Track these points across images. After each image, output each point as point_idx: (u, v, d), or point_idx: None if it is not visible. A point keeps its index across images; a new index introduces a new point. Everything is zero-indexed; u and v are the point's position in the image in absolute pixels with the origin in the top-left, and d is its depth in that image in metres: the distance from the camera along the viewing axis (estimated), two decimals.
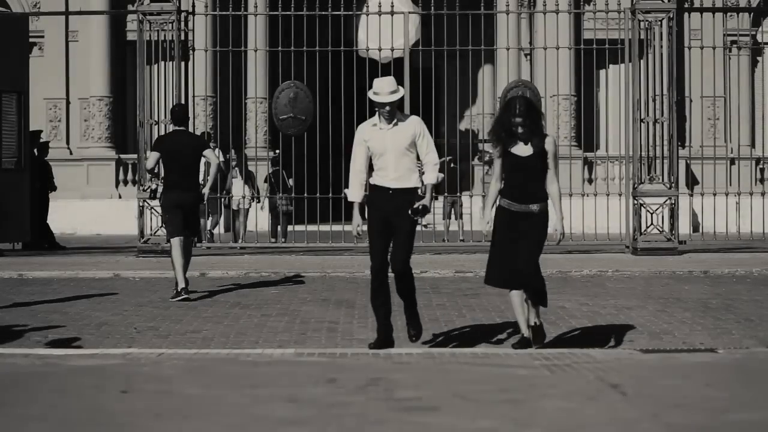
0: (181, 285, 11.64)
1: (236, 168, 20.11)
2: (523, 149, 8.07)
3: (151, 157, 12.25)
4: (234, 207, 19.94)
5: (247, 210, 20.16)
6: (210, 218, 19.42)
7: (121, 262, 15.78)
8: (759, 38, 27.34)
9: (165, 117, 17.15)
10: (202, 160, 12.32)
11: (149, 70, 17.36)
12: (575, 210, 19.65)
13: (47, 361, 7.03)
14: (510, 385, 6.16)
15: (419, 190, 8.41)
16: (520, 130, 8.02)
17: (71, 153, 26.33)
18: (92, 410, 5.47)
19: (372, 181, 8.34)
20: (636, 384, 6.13)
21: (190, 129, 18.18)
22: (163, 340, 8.91)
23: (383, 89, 8.15)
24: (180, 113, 12.43)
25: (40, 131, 20.98)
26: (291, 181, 20.96)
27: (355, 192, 8.40)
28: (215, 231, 19.39)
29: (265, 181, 21.24)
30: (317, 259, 16.50)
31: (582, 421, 5.18)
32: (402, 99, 8.34)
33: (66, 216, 24.02)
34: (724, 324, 9.69)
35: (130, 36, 25.16)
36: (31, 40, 20.51)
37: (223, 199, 19.16)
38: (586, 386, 6.08)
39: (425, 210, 8.20)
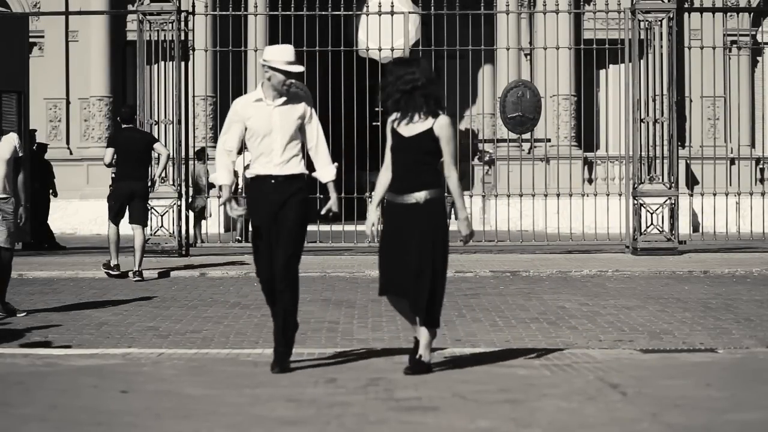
0: (114, 262, 13.84)
1: None
2: (409, 127, 6.81)
3: (108, 153, 14.02)
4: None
5: None
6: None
7: (122, 262, 15.77)
8: (759, 38, 27.32)
9: (165, 117, 17.16)
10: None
11: (149, 70, 17.36)
12: (575, 210, 19.72)
13: (47, 361, 7.03)
14: (510, 385, 6.16)
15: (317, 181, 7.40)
16: (394, 103, 6.83)
17: (71, 153, 26.31)
18: (92, 410, 5.47)
19: (250, 172, 7.10)
20: (636, 384, 6.13)
21: (190, 129, 18.26)
22: (163, 340, 8.91)
23: (290, 57, 7.07)
24: (128, 113, 14.42)
25: (35, 131, 20.96)
26: None
27: (223, 174, 7.12)
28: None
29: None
30: (317, 259, 16.49)
31: (582, 421, 5.19)
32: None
33: (66, 216, 24.02)
34: (724, 324, 9.70)
35: (130, 36, 25.13)
36: (31, 40, 20.51)
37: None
38: (586, 386, 6.08)
39: (335, 215, 7.29)
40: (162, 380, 6.36)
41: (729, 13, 24.90)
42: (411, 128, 6.77)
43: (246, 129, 7.04)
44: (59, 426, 5.18)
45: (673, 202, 17.26)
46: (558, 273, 14.30)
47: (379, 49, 17.70)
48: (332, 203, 7.18)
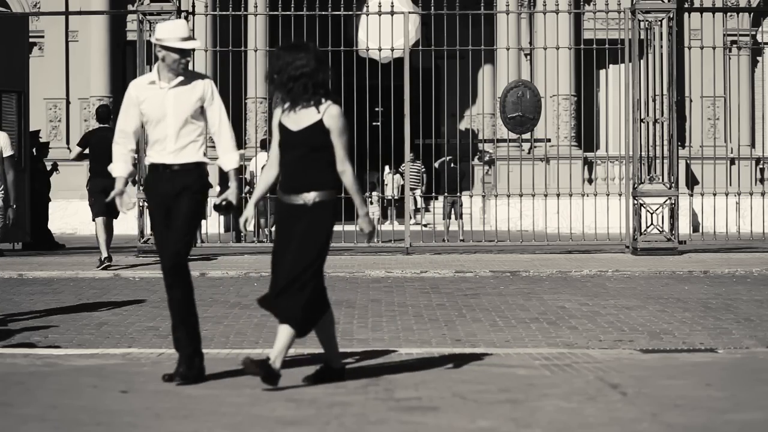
0: (104, 255, 14.47)
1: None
2: (296, 119, 6.20)
3: (74, 151, 15.61)
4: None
5: None
6: (267, 218, 19.92)
7: (121, 262, 15.77)
8: (759, 38, 27.35)
9: None
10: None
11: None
12: (575, 210, 19.72)
13: (47, 361, 7.03)
14: (510, 385, 6.16)
15: (216, 170, 6.82)
16: (282, 93, 6.23)
17: (71, 153, 26.33)
18: (92, 410, 5.47)
19: (148, 160, 6.59)
20: (636, 384, 6.13)
21: None
22: (163, 340, 8.90)
23: (183, 33, 6.45)
24: (103, 113, 15.56)
25: (39, 131, 20.99)
26: None
27: (118, 165, 6.59)
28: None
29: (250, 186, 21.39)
30: None
31: (582, 421, 5.19)
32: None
33: (66, 216, 24.04)
34: (724, 324, 9.69)
35: (130, 36, 25.16)
36: (31, 40, 20.52)
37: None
38: (586, 386, 6.08)
39: (230, 207, 6.52)
40: (162, 380, 6.35)
41: (729, 13, 24.93)
42: (299, 121, 6.15)
43: (142, 114, 6.51)
44: (59, 426, 5.18)
45: (673, 202, 17.26)
46: (558, 273, 14.30)
47: (379, 49, 17.70)
48: (230, 194, 6.50)
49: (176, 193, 6.40)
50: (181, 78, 6.47)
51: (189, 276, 6.47)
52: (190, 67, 6.70)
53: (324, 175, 6.16)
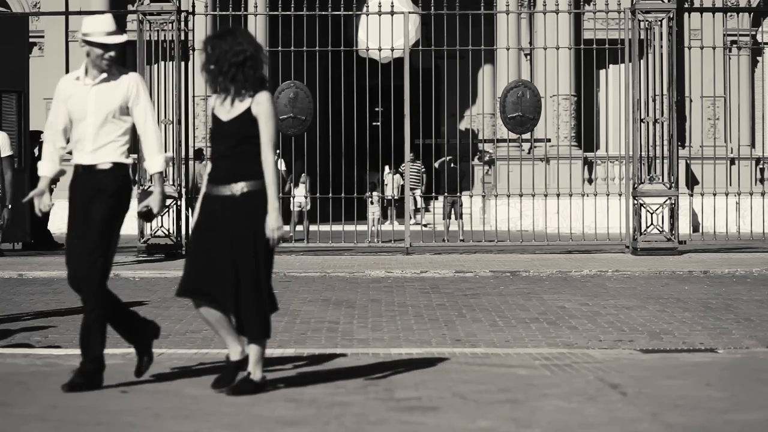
0: None
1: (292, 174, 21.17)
2: (228, 109, 5.97)
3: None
4: (296, 208, 20.93)
5: (307, 211, 20.84)
6: None
7: (121, 262, 15.78)
8: (759, 38, 27.35)
9: (165, 117, 17.15)
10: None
11: (149, 70, 17.36)
12: (575, 210, 19.73)
13: (47, 361, 7.03)
14: (510, 385, 6.16)
15: (135, 172, 6.59)
16: (219, 83, 6.00)
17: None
18: (92, 410, 5.47)
19: (72, 160, 6.26)
20: (636, 384, 6.13)
21: (190, 129, 18.28)
22: (163, 340, 8.87)
23: (108, 27, 6.16)
24: None
25: (41, 132, 21.00)
26: (303, 176, 21.13)
27: (45, 164, 6.29)
28: None
29: None
30: (317, 259, 16.50)
31: (582, 421, 5.19)
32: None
33: (66, 216, 24.01)
34: (724, 324, 9.69)
35: (130, 36, 25.12)
36: (31, 40, 20.52)
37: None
38: (586, 386, 6.08)
39: (149, 214, 6.18)
40: (162, 380, 6.36)
41: (729, 13, 24.93)
42: (230, 110, 5.94)
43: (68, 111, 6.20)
44: (59, 426, 5.18)
45: (673, 202, 17.26)
46: (558, 273, 14.30)
47: (379, 49, 17.70)
48: (152, 200, 6.16)
49: (91, 196, 6.08)
50: (105, 75, 6.17)
51: (100, 304, 6.01)
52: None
53: (253, 166, 5.86)
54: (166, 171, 6.37)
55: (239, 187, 5.84)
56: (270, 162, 5.85)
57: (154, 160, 6.21)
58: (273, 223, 5.85)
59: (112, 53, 6.11)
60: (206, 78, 6.00)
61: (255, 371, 5.89)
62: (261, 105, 5.87)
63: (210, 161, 5.99)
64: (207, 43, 5.98)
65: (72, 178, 6.19)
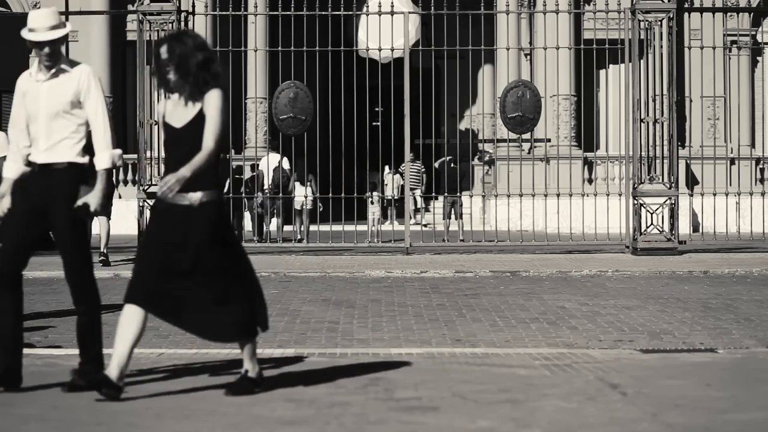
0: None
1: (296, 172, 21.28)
2: (180, 114, 5.76)
3: None
4: (297, 207, 20.96)
5: (309, 210, 20.76)
6: (277, 218, 20.12)
7: (122, 262, 15.78)
8: (759, 38, 27.36)
9: None
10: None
11: (149, 70, 17.35)
12: (575, 210, 19.73)
13: (47, 361, 7.02)
14: (510, 385, 6.16)
15: (88, 170, 6.07)
16: (171, 83, 5.75)
17: None
18: (92, 410, 5.47)
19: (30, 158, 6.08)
20: (636, 384, 6.13)
21: None
22: (163, 340, 8.90)
23: (41, 23, 5.89)
24: None
25: None
26: (309, 176, 21.20)
27: (10, 165, 6.09)
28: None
29: (246, 186, 21.51)
30: (317, 259, 16.50)
31: (582, 421, 5.19)
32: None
33: None
34: (724, 324, 9.69)
35: (130, 36, 25.16)
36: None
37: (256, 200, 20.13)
38: (586, 386, 6.08)
39: (86, 210, 5.93)
40: (162, 380, 6.36)
41: (729, 13, 24.93)
42: (183, 115, 5.75)
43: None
44: (59, 426, 5.18)
45: (673, 202, 17.26)
46: (558, 273, 14.30)
47: (379, 49, 17.70)
48: (90, 197, 5.92)
49: (47, 196, 5.90)
50: (54, 70, 5.97)
51: (97, 308, 6.04)
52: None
53: (211, 174, 5.70)
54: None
55: (197, 197, 5.65)
56: (206, 150, 5.63)
57: (100, 157, 6.01)
58: (172, 181, 5.57)
59: (47, 49, 5.89)
60: (159, 81, 5.76)
61: (251, 368, 5.87)
62: (210, 101, 5.68)
63: (166, 168, 5.75)
64: (162, 45, 5.75)
65: (26, 173, 6.02)
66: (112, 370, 5.63)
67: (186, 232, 5.64)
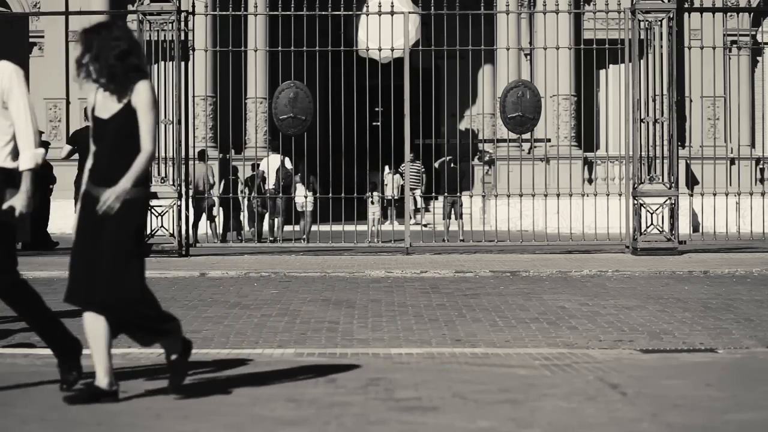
0: None
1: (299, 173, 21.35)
2: (108, 105, 5.61)
3: (64, 150, 16.48)
4: (298, 208, 21.09)
5: (310, 211, 20.78)
6: (277, 218, 20.17)
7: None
8: (759, 38, 27.36)
9: (165, 117, 17.16)
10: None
11: (149, 70, 17.35)
12: (575, 210, 19.73)
13: (47, 361, 7.02)
14: (510, 385, 6.16)
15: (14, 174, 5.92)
16: (93, 75, 5.57)
17: (62, 152, 26.34)
18: (92, 410, 5.47)
19: None
20: (636, 384, 6.13)
21: (190, 129, 18.28)
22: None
23: None
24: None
25: (41, 132, 21.03)
26: (311, 177, 21.24)
27: None
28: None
29: (246, 185, 21.53)
30: (317, 259, 16.49)
31: (582, 421, 5.19)
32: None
33: (66, 216, 24.01)
34: (724, 324, 9.69)
35: None
36: (31, 40, 20.53)
37: (255, 200, 20.21)
38: (586, 386, 6.08)
39: (8, 215, 5.90)
40: (162, 380, 6.36)
41: (729, 13, 24.94)
42: (110, 107, 5.59)
43: None
44: (59, 426, 5.18)
45: (673, 202, 17.26)
46: (558, 273, 14.30)
47: (379, 49, 17.70)
48: (16, 200, 5.83)
49: None
50: None
51: (24, 298, 6.03)
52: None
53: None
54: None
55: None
56: (145, 153, 5.54)
57: (24, 156, 5.84)
58: (111, 196, 5.48)
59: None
60: (79, 72, 5.57)
61: (172, 354, 5.77)
62: (140, 95, 5.54)
63: (92, 160, 5.65)
64: (81, 36, 5.60)
65: None
66: (102, 380, 5.62)
67: (102, 224, 5.51)
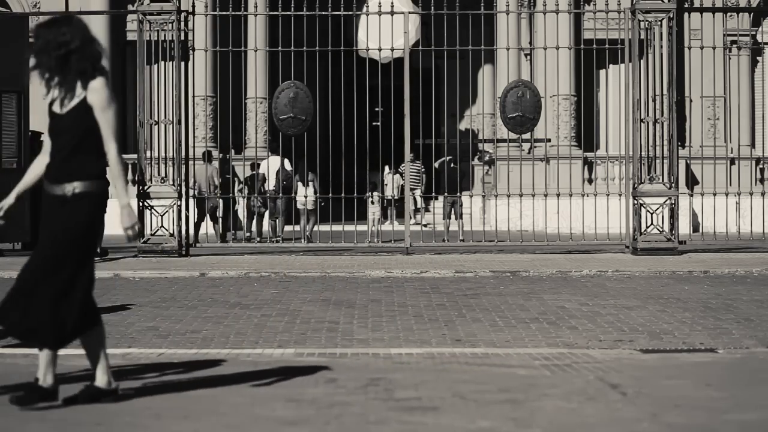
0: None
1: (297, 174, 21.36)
2: (63, 101, 5.53)
3: None
4: (299, 207, 20.98)
5: (311, 210, 20.84)
6: (278, 218, 20.18)
7: (121, 262, 15.78)
8: (759, 38, 27.35)
9: (165, 117, 17.16)
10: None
11: (149, 70, 17.36)
12: (575, 210, 19.73)
13: None
14: (510, 385, 6.16)
15: None
16: (44, 70, 5.51)
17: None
18: (92, 410, 5.47)
19: None
20: (636, 384, 6.13)
21: (190, 129, 18.28)
22: (163, 340, 8.91)
23: None
24: None
25: (41, 133, 21.03)
26: (310, 175, 21.21)
27: None
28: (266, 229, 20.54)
29: (246, 184, 21.54)
30: (317, 259, 16.49)
31: (582, 421, 5.19)
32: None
33: None
34: (724, 324, 9.69)
35: (130, 36, 25.15)
36: (31, 40, 20.47)
37: (254, 201, 20.24)
38: (586, 386, 6.08)
39: None
40: (162, 380, 6.36)
41: (729, 13, 24.93)
42: (66, 103, 5.50)
43: None
44: (59, 426, 5.18)
45: (673, 202, 17.26)
46: (558, 273, 14.30)
47: (379, 49, 17.70)
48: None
49: None
50: None
51: None
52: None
53: (90, 163, 5.48)
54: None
55: (71, 188, 5.43)
56: (112, 153, 5.48)
57: None
58: (125, 221, 5.49)
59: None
60: (33, 66, 5.51)
61: (45, 376, 5.50)
62: (95, 93, 5.46)
63: (49, 157, 5.56)
64: (35, 31, 5.58)
65: None
66: (101, 380, 5.63)
67: (59, 222, 5.43)
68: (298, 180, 21.13)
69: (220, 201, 20.71)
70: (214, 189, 20.60)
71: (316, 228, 19.18)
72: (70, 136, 5.48)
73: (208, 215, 20.58)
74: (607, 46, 18.75)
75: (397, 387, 6.09)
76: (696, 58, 21.52)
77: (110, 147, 5.49)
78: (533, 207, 19.27)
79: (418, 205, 24.04)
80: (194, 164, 20.33)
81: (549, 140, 23.37)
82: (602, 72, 23.56)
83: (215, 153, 22.17)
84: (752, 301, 11.41)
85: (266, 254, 17.54)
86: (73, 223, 5.43)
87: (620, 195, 18.25)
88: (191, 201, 18.30)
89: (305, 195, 20.83)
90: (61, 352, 7.05)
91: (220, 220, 20.89)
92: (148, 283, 13.46)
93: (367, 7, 20.30)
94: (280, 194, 19.36)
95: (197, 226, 19.94)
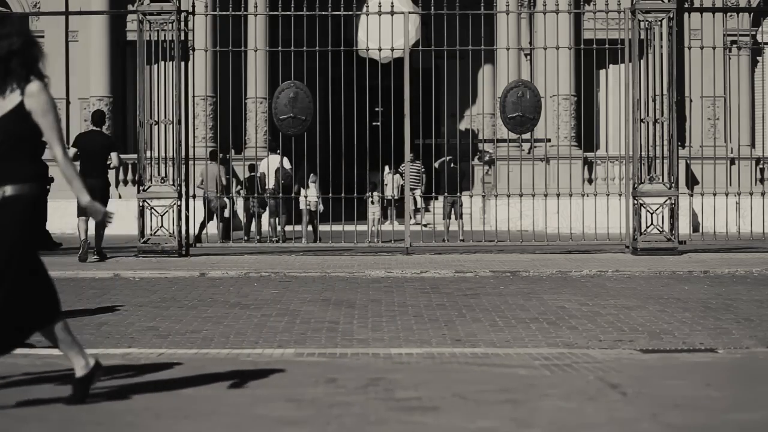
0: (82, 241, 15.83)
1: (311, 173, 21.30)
2: (1, 105, 5.44)
3: (69, 152, 17.07)
4: (302, 207, 20.98)
5: (312, 211, 20.84)
6: (280, 217, 20.19)
7: (121, 262, 15.78)
8: (759, 38, 27.36)
9: (165, 117, 17.16)
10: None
11: (149, 70, 17.36)
12: (575, 210, 19.73)
13: (47, 361, 7.03)
14: (510, 385, 6.16)
15: None
16: None
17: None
18: (92, 410, 5.47)
19: None
20: (636, 384, 6.13)
21: (190, 129, 18.28)
22: (163, 340, 8.91)
23: None
24: (95, 117, 16.80)
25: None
26: (312, 176, 21.18)
27: None
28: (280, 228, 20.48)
29: (244, 185, 21.55)
30: (317, 259, 16.49)
31: (582, 421, 5.19)
32: None
33: (66, 216, 24.00)
34: (724, 324, 9.69)
35: (130, 36, 25.17)
36: None
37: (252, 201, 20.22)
38: (586, 386, 6.08)
39: None
40: (162, 380, 6.36)
41: (729, 13, 24.95)
42: (3, 106, 5.41)
43: None
44: (59, 426, 5.18)
45: (673, 202, 17.26)
46: (558, 273, 14.30)
47: (379, 49, 17.70)
48: None
49: None
50: None
51: None
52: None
53: (24, 167, 5.38)
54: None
55: (0, 192, 5.35)
56: (60, 158, 5.43)
57: None
58: (96, 216, 5.57)
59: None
60: None
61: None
62: (33, 97, 5.37)
63: None
64: None
65: None
66: (78, 368, 5.57)
67: None
68: (313, 180, 21.10)
69: (227, 200, 20.72)
70: (221, 188, 20.59)
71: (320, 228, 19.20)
72: (4, 138, 5.36)
73: (216, 214, 20.56)
74: (607, 46, 18.75)
75: (397, 387, 6.09)
76: (696, 58, 21.54)
77: (56, 151, 5.43)
78: (533, 207, 19.27)
79: (418, 205, 24.05)
80: (206, 164, 20.42)
81: (549, 140, 23.38)
82: (602, 72, 23.57)
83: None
84: (752, 301, 11.41)
85: (266, 254, 17.54)
86: (5, 226, 5.31)
87: (620, 195, 18.25)
88: (197, 201, 18.31)
89: (305, 195, 20.83)
90: (61, 352, 7.03)
91: (226, 219, 20.90)
92: (148, 283, 13.46)
93: (367, 7, 20.30)
94: (280, 193, 19.36)
95: (203, 225, 19.97)
